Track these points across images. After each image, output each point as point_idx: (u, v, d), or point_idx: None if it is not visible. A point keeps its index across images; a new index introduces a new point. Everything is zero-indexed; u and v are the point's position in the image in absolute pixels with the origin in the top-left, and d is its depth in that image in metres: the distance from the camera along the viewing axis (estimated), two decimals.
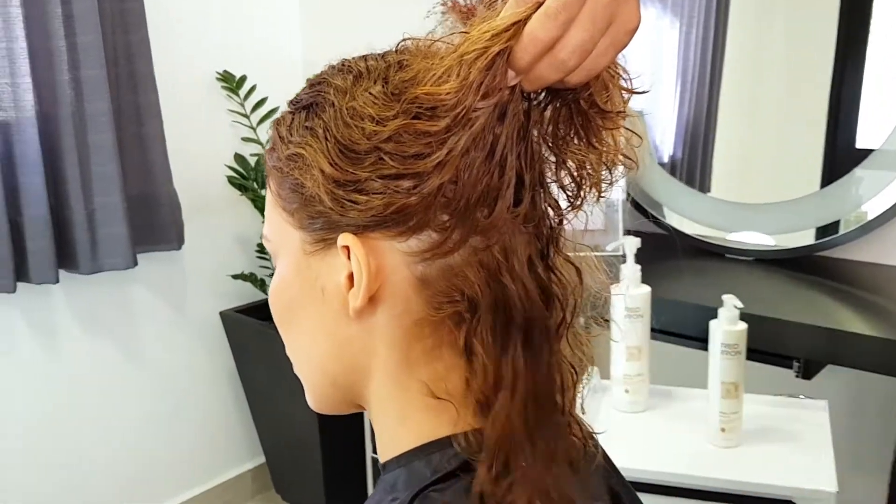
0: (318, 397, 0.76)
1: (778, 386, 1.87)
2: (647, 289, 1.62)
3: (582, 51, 0.58)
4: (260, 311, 2.90)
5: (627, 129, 0.67)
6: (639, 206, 2.28)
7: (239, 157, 2.91)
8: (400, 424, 0.68)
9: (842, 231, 2.08)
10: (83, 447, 2.67)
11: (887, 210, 2.01)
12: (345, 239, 0.64)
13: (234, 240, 3.01)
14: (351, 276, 0.65)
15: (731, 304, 1.50)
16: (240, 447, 3.13)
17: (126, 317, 2.75)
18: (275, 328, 0.76)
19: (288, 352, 0.76)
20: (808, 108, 2.18)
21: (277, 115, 0.73)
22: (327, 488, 2.79)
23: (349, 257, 0.64)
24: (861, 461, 2.12)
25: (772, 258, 2.15)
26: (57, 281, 2.39)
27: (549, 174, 0.67)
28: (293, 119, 0.69)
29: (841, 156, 2.09)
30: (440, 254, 0.63)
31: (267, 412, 2.98)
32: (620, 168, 0.68)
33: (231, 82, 2.83)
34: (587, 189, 0.67)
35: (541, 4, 0.57)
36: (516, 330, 0.63)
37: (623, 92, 0.66)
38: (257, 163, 2.92)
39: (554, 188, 0.68)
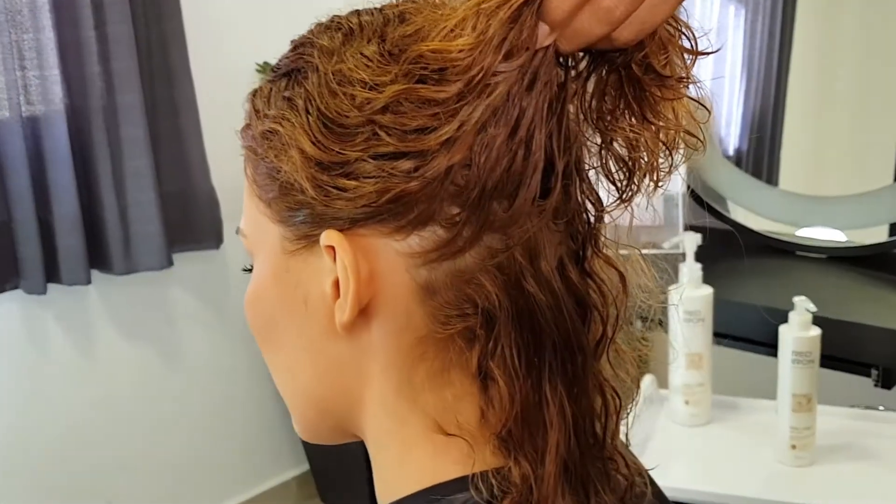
0: (304, 426, 0.65)
1: (855, 397, 1.80)
2: (708, 290, 1.53)
3: None
4: None
5: (692, 99, 0.55)
6: (700, 200, 2.18)
7: None
8: (400, 463, 0.57)
9: None
10: (119, 454, 2.64)
11: None
12: (329, 237, 0.53)
13: None
14: (338, 284, 0.53)
15: (802, 308, 1.40)
16: (284, 453, 3.08)
17: (163, 319, 2.71)
18: None
19: (270, 371, 0.64)
20: (881, 96, 2.14)
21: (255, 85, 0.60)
22: (373, 497, 2.70)
23: (335, 260, 0.53)
24: None
25: (846, 256, 2.05)
26: (89, 282, 2.36)
27: (589, 160, 0.56)
28: (271, 89, 0.57)
29: None
30: (448, 254, 0.52)
31: None
32: (682, 149, 0.56)
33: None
34: (640, 176, 0.56)
35: None
36: (544, 349, 0.53)
37: (685, 54, 0.54)
38: None
39: (596, 177, 0.57)
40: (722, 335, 1.64)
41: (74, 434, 2.53)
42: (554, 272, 0.53)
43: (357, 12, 0.57)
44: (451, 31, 0.49)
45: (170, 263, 2.45)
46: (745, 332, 1.75)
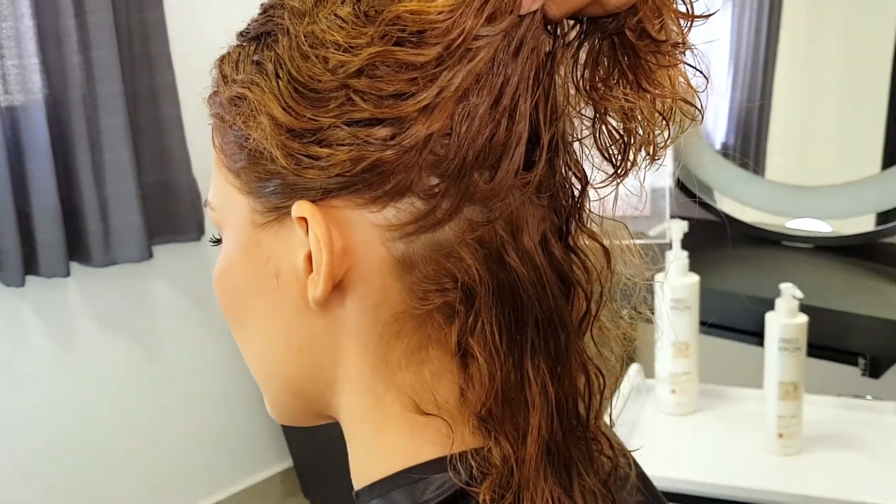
0: (277, 407, 0.63)
1: (842, 386, 1.79)
2: (695, 278, 1.52)
3: None
4: None
5: (689, 65, 0.53)
6: (687, 190, 2.17)
7: None
8: (375, 444, 0.55)
9: None
10: (98, 449, 2.61)
11: None
12: (300, 208, 0.50)
13: None
14: (310, 257, 0.51)
15: (789, 295, 1.39)
16: (267, 449, 3.05)
17: (143, 311, 2.68)
18: None
19: (241, 351, 0.62)
20: (866, 86, 2.13)
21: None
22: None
23: (308, 232, 0.51)
24: None
25: (833, 245, 2.04)
26: (68, 274, 2.33)
27: (576, 133, 0.54)
28: (240, 53, 0.55)
29: None
30: (426, 227, 0.50)
31: None
32: (679, 119, 0.55)
33: None
34: (636, 149, 0.54)
35: None
36: (526, 326, 0.51)
37: (681, 19, 0.52)
38: None
39: (581, 150, 0.55)
40: (708, 324, 1.63)
41: (52, 428, 2.50)
42: (537, 247, 0.51)
43: None
44: None
45: (150, 255, 2.42)
46: (732, 321, 1.74)
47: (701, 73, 0.54)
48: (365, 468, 0.56)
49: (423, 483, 0.52)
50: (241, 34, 0.56)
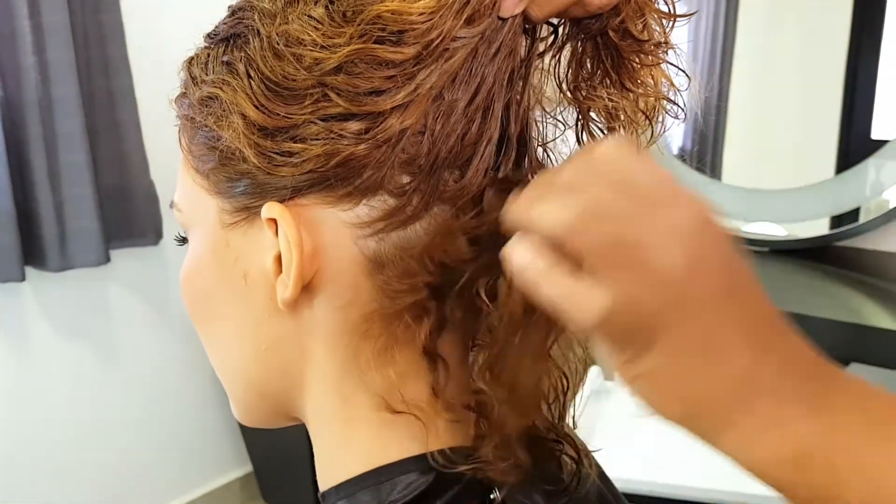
0: (242, 408, 0.62)
1: None
2: None
3: None
4: None
5: (671, 64, 0.55)
6: None
7: None
8: (342, 445, 0.55)
9: (862, 220, 2.04)
10: (55, 455, 2.57)
11: None
12: (270, 209, 0.51)
13: None
14: (280, 258, 0.51)
15: None
16: (226, 455, 3.03)
17: (100, 317, 2.65)
18: None
19: (207, 353, 0.61)
20: (822, 92, 2.17)
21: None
22: (318, 498, 2.68)
23: (277, 233, 0.51)
24: None
25: (788, 248, 2.06)
26: (23, 279, 2.29)
27: (538, 134, 0.55)
28: (209, 55, 0.55)
29: (856, 142, 2.07)
30: (396, 224, 0.50)
31: None
32: (662, 118, 0.57)
33: None
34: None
35: None
36: (496, 324, 0.51)
37: (662, 19, 0.54)
38: None
39: (544, 151, 0.56)
40: None
41: (8, 435, 2.46)
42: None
43: None
44: None
45: (107, 260, 2.39)
46: None
47: (683, 72, 0.55)
48: (331, 469, 0.56)
49: (389, 483, 0.52)
50: (209, 36, 0.56)
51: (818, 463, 0.43)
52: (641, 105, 0.54)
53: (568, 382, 0.57)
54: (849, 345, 1.64)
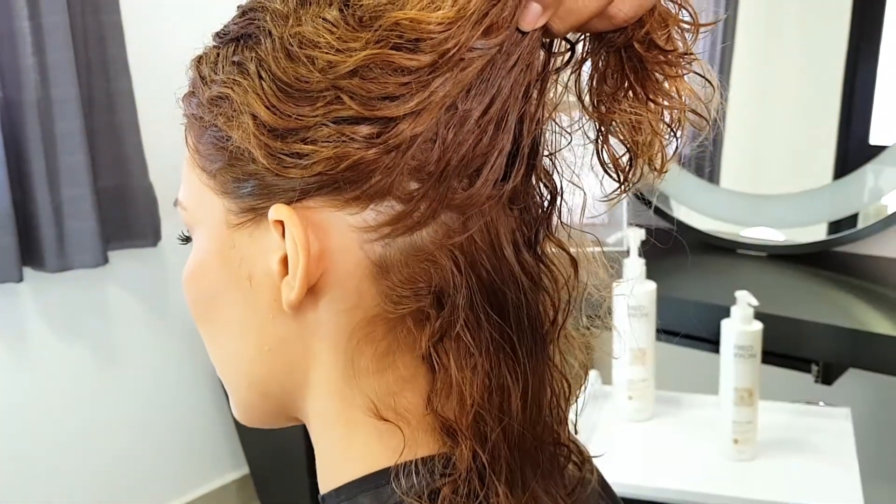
0: (244, 408, 0.62)
1: (796, 392, 1.80)
2: (652, 285, 1.53)
3: None
4: None
5: (698, 73, 0.54)
6: (643, 198, 2.18)
7: None
8: (343, 448, 0.55)
9: (860, 225, 2.02)
10: (52, 456, 2.57)
11: None
12: (277, 212, 0.50)
13: None
14: (285, 260, 0.51)
15: (744, 302, 1.40)
16: (223, 457, 3.02)
17: (98, 318, 2.64)
18: None
19: (208, 352, 0.61)
20: (821, 97, 2.15)
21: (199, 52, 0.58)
22: (315, 500, 2.67)
23: (284, 235, 0.50)
24: (887, 473, 2.05)
25: (787, 253, 2.06)
26: (21, 279, 2.29)
27: (547, 145, 0.55)
28: (218, 54, 0.54)
29: (854, 147, 2.06)
30: (403, 229, 0.50)
31: None
32: (687, 129, 0.56)
33: None
34: (643, 161, 0.55)
35: None
36: (497, 332, 0.51)
37: (686, 29, 0.53)
38: None
39: (551, 162, 0.56)
40: (665, 331, 1.64)
41: (6, 437, 2.46)
42: (511, 255, 0.51)
43: None
44: (431, 1, 0.47)
45: (105, 261, 2.39)
46: (688, 327, 1.74)
47: (709, 82, 0.54)
48: (332, 471, 0.55)
49: (389, 487, 0.51)
50: (218, 35, 0.56)
51: None
52: (667, 117, 0.53)
53: (570, 388, 0.57)
54: (847, 350, 1.63)
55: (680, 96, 0.53)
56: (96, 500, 2.67)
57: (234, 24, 0.55)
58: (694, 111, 0.54)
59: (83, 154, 2.30)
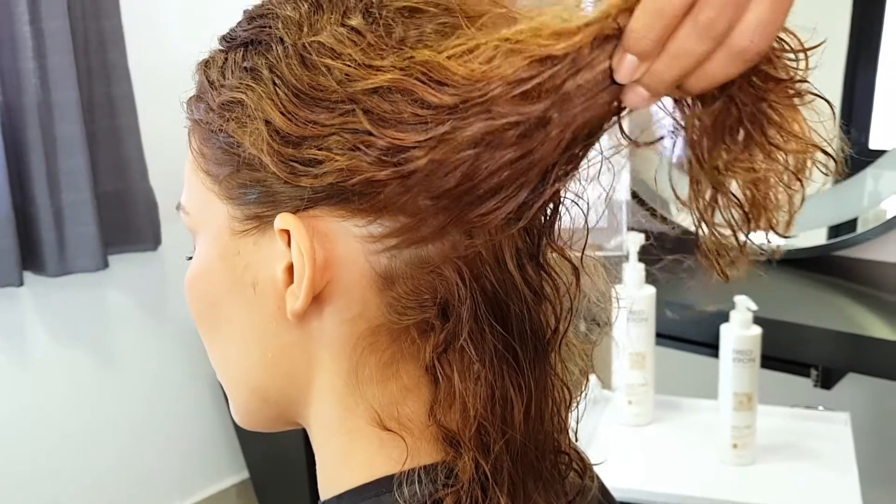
0: (244, 413, 0.61)
1: (795, 397, 1.79)
2: (651, 290, 1.53)
3: (764, 31, 0.41)
4: None
5: (819, 96, 0.48)
6: (644, 203, 2.18)
7: None
8: (345, 455, 0.55)
9: (860, 230, 2.01)
10: (51, 461, 2.56)
11: None
12: (284, 220, 0.50)
13: None
14: (290, 269, 0.51)
15: (743, 307, 1.40)
16: (222, 461, 3.02)
17: (98, 322, 2.64)
18: None
19: (210, 356, 0.61)
20: (819, 104, 2.08)
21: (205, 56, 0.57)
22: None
23: (290, 244, 0.50)
24: (886, 478, 2.04)
25: (786, 258, 2.05)
26: (21, 283, 2.30)
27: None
28: (226, 59, 0.54)
29: (853, 151, 2.00)
30: (411, 242, 0.49)
31: None
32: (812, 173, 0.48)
33: None
34: (766, 215, 0.49)
35: None
36: (500, 342, 0.51)
37: (791, 54, 0.47)
38: None
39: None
40: (664, 335, 1.63)
41: (5, 440, 2.46)
42: (515, 267, 0.51)
43: None
44: (469, 52, 0.44)
45: (105, 265, 2.39)
46: (687, 332, 1.74)
47: (829, 103, 0.49)
48: (333, 479, 0.55)
49: (388, 496, 0.51)
50: (225, 39, 0.55)
51: None
52: (792, 163, 0.47)
53: (571, 395, 0.57)
54: (846, 355, 1.63)
55: (806, 135, 0.47)
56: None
57: (242, 29, 0.54)
58: (823, 150, 0.47)
59: (83, 158, 2.30)
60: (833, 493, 1.36)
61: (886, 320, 1.72)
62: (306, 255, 0.49)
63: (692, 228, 0.52)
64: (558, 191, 0.51)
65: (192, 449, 2.92)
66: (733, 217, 0.49)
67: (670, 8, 0.40)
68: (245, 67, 0.52)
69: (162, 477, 2.83)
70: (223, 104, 0.52)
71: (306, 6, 0.51)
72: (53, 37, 2.24)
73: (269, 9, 0.53)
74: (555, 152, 0.44)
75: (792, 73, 0.46)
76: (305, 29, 0.50)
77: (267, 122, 0.49)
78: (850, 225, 2.02)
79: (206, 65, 0.55)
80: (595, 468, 0.62)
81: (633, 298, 1.49)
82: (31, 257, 2.34)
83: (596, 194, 0.54)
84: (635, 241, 1.51)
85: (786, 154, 0.47)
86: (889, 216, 1.93)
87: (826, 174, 0.48)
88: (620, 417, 1.57)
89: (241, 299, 0.55)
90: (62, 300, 2.51)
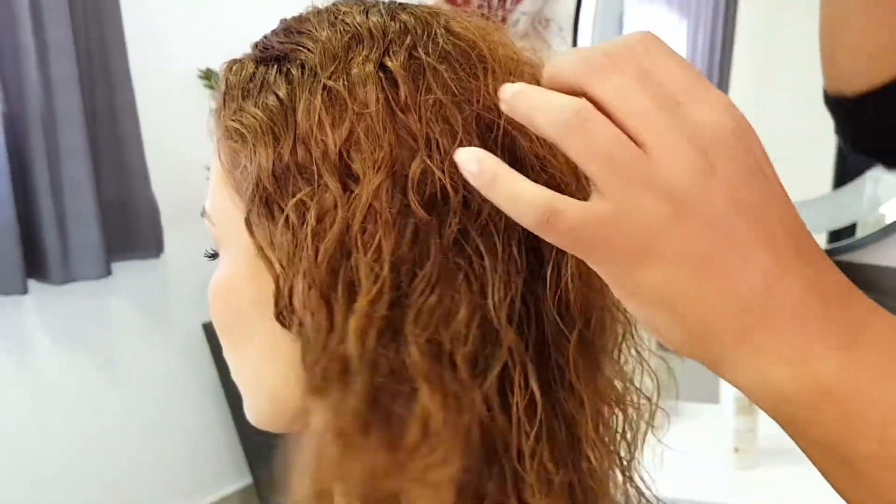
0: (260, 416, 0.60)
1: None
2: None
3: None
4: None
5: None
6: None
7: None
8: None
9: (859, 234, 2.00)
10: (55, 468, 2.56)
11: None
12: None
13: None
14: None
15: None
16: (225, 467, 3.01)
17: (102, 329, 2.64)
18: None
19: (230, 366, 0.60)
20: (819, 106, 2.09)
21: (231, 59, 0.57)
22: None
23: None
24: None
25: None
26: (26, 291, 2.30)
27: None
28: (255, 72, 0.54)
29: (853, 157, 2.02)
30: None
31: (254, 429, 2.82)
32: None
33: (213, 80, 2.70)
34: None
35: None
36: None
37: None
38: None
39: None
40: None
41: (10, 448, 2.46)
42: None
43: (375, 5, 0.54)
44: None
45: (109, 273, 2.40)
46: None
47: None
48: None
49: None
50: (258, 48, 0.55)
51: (835, 403, 0.38)
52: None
53: (624, 413, 0.58)
54: None
55: None
56: None
57: (278, 41, 0.54)
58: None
59: (86, 166, 2.32)
60: (835, 496, 1.35)
61: None
62: None
63: None
64: None
65: (196, 455, 2.92)
66: None
67: None
68: (276, 93, 0.52)
69: (165, 483, 2.83)
70: (238, 130, 0.53)
71: (347, 38, 0.52)
72: (56, 46, 2.25)
73: (307, 28, 0.54)
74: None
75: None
76: (334, 66, 0.51)
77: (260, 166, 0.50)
78: (850, 229, 2.01)
79: (240, 73, 0.55)
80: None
81: None
82: (34, 265, 2.34)
83: None
84: None
85: None
86: (888, 221, 1.93)
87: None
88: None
89: (267, 315, 0.53)
90: (66, 307, 2.52)
